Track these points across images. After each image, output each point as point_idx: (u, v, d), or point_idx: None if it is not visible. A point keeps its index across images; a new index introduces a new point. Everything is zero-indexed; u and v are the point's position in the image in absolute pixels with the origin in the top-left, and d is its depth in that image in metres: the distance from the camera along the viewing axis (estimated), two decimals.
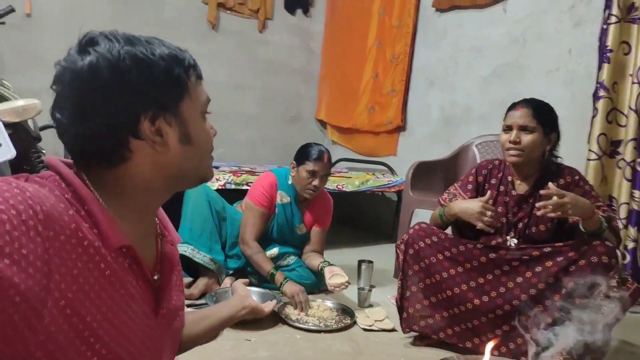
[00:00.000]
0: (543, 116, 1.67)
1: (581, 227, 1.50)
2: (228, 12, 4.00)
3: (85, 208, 0.61)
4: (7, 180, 0.54)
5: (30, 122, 1.49)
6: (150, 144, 0.65)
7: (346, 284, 2.06)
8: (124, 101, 0.62)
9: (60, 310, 0.53)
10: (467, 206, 1.67)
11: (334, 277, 2.07)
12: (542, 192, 1.48)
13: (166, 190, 0.72)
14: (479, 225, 1.61)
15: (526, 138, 1.65)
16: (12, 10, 1.93)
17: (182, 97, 0.67)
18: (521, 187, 1.75)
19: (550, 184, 1.48)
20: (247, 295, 1.08)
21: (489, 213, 1.60)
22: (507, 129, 1.70)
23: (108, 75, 0.60)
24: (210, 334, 1.01)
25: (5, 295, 0.45)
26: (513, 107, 1.72)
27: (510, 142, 1.66)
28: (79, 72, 0.61)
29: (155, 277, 0.73)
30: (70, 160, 0.67)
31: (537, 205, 1.51)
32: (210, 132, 0.74)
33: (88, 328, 0.58)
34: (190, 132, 0.68)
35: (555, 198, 1.43)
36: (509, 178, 1.78)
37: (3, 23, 2.08)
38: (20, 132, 1.37)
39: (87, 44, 0.63)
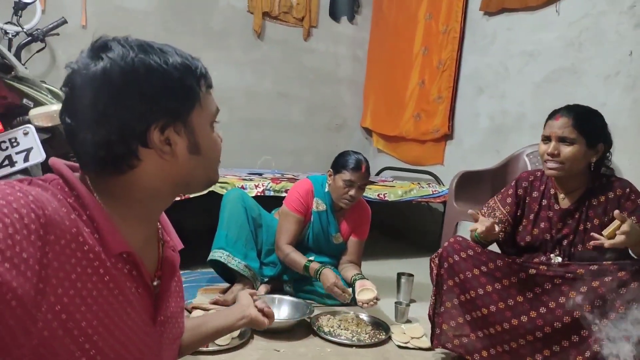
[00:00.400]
0: (585, 125, 1.53)
1: (631, 253, 1.35)
2: (273, 20, 4.05)
3: (87, 213, 0.61)
4: (11, 183, 0.55)
5: None
6: (158, 153, 0.64)
7: (375, 300, 1.96)
8: (135, 109, 0.61)
9: (55, 315, 0.53)
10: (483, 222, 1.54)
11: (363, 292, 2.01)
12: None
13: (171, 196, 0.72)
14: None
15: (566, 150, 1.52)
16: (65, 22, 2.04)
17: (193, 107, 0.67)
18: (565, 202, 1.62)
19: (616, 212, 1.32)
20: (249, 305, 1.06)
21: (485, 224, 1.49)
22: (546, 139, 1.58)
23: (121, 82, 0.60)
24: (206, 341, 1.00)
25: (2, 300, 0.46)
26: (553, 115, 1.60)
27: (548, 154, 1.54)
28: (91, 78, 0.61)
29: (155, 283, 0.72)
30: (74, 163, 0.67)
31: (592, 235, 1.37)
32: (218, 142, 0.74)
33: (83, 334, 0.57)
34: (199, 142, 0.68)
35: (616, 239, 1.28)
36: (552, 191, 1.65)
37: (57, 34, 2.20)
38: (59, 137, 1.42)
39: (100, 49, 0.63)
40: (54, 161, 0.66)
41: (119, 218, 0.65)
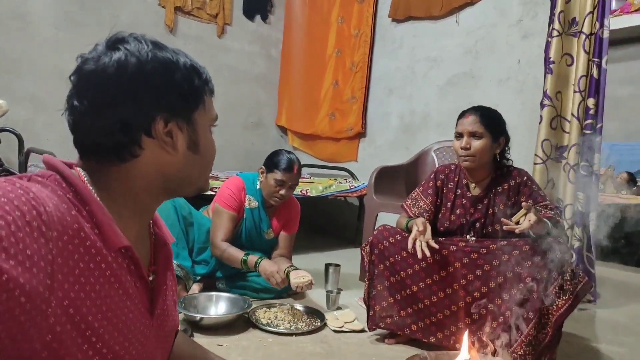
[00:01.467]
0: (490, 122, 1.78)
1: (530, 232, 1.61)
2: (186, 16, 3.96)
3: (86, 208, 0.62)
4: (11, 180, 0.54)
5: None
6: (160, 143, 0.67)
7: (309, 283, 2.08)
8: (144, 99, 0.64)
9: (63, 310, 0.54)
10: (420, 225, 1.71)
11: (298, 278, 2.10)
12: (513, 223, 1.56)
13: (166, 193, 0.73)
14: (410, 245, 1.67)
15: (476, 143, 1.76)
16: None
17: (197, 107, 0.70)
18: (476, 190, 1.86)
19: (524, 204, 1.55)
20: None
21: (418, 240, 1.66)
22: (459, 135, 1.81)
23: (134, 72, 0.63)
24: None
25: (11, 296, 0.46)
26: (462, 115, 1.83)
27: (462, 148, 1.77)
28: (105, 66, 0.63)
29: (151, 278, 0.74)
30: (69, 161, 0.67)
31: (503, 221, 1.59)
32: (214, 146, 0.77)
33: (90, 327, 0.59)
34: (199, 141, 0.71)
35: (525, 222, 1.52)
36: (464, 181, 1.89)
37: None
38: None
39: (116, 41, 0.65)
40: (48, 158, 0.65)
41: (115, 213, 0.66)
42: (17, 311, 0.47)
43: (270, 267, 2.09)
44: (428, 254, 1.62)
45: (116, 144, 0.64)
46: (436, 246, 1.65)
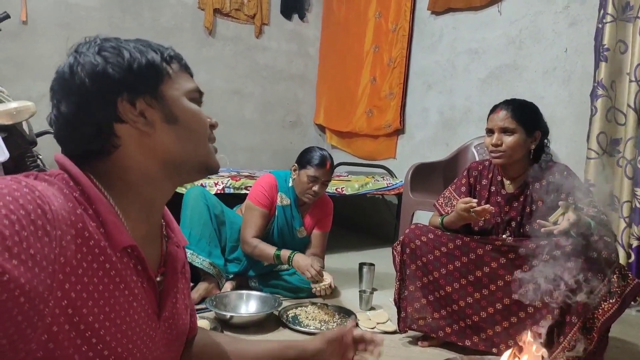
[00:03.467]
0: (523, 116, 1.67)
1: (571, 232, 1.49)
2: (225, 17, 4.02)
3: (92, 207, 0.61)
4: (17, 178, 0.55)
5: (25, 127, 1.49)
6: (133, 125, 0.66)
7: (328, 286, 2.05)
8: (101, 88, 0.65)
9: (62, 310, 0.54)
10: (455, 214, 1.65)
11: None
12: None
13: (167, 179, 0.71)
14: (476, 219, 1.60)
15: (508, 139, 1.66)
16: (8, 17, 1.93)
17: (161, 80, 0.69)
18: (511, 187, 1.76)
19: (561, 202, 1.44)
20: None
21: (471, 203, 1.59)
22: (489, 132, 1.71)
23: (84, 71, 0.65)
24: None
25: (11, 296, 0.46)
26: (493, 110, 1.73)
27: (492, 145, 1.68)
28: (62, 74, 0.66)
29: (159, 279, 0.73)
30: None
31: (540, 222, 1.49)
32: (202, 116, 0.74)
33: (90, 328, 0.58)
34: (174, 112, 0.69)
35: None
36: (499, 178, 1.78)
37: None
38: (15, 136, 1.36)
39: (72, 50, 0.68)
40: (59, 156, 0.66)
41: (122, 211, 0.66)
42: (16, 311, 0.47)
43: (304, 261, 2.07)
44: (491, 208, 1.57)
45: (91, 139, 0.65)
46: (492, 209, 1.59)
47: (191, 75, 0.76)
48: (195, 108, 0.73)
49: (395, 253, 1.80)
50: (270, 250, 2.14)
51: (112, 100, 0.65)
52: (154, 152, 0.68)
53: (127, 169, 0.67)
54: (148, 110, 0.67)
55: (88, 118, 0.65)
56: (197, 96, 0.74)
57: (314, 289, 2.06)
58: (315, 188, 2.19)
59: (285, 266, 2.29)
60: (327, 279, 2.07)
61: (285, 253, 2.12)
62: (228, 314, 1.88)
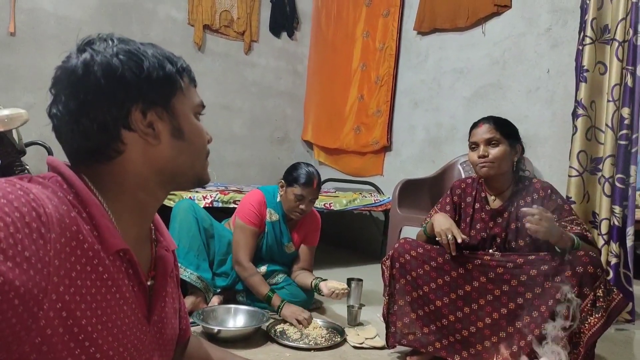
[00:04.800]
0: (505, 128, 1.72)
1: (556, 248, 1.52)
2: (214, 34, 4.05)
3: (86, 210, 0.61)
4: (11, 181, 0.54)
5: (15, 136, 1.48)
6: (142, 135, 0.66)
7: (343, 289, 2.09)
8: (115, 94, 0.64)
9: (56, 313, 0.53)
10: (442, 219, 1.70)
11: (332, 283, 2.11)
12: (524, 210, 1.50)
13: (161, 187, 0.72)
14: (439, 239, 1.64)
15: (494, 150, 1.69)
16: None
17: (174, 93, 0.69)
18: (495, 202, 1.79)
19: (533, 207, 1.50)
20: None
21: (452, 234, 1.62)
22: (474, 145, 1.74)
23: (101, 69, 0.63)
24: None
25: (5, 298, 0.46)
26: (475, 125, 1.77)
27: (479, 157, 1.71)
28: (73, 69, 0.63)
29: (149, 283, 0.73)
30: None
31: (521, 210, 1.53)
32: (204, 133, 0.75)
33: (83, 331, 0.57)
34: (182, 127, 0.70)
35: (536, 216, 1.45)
36: (483, 194, 1.82)
37: None
38: (5, 145, 1.35)
39: (84, 44, 0.66)
40: (52, 159, 0.66)
41: (115, 215, 0.66)
42: (10, 314, 0.46)
43: (292, 310, 2.05)
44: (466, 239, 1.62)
45: (98, 143, 0.64)
46: (467, 239, 1.64)
47: (195, 87, 0.77)
48: (199, 125, 0.74)
49: (384, 267, 1.81)
50: (263, 289, 2.11)
51: (126, 107, 0.64)
52: (154, 161, 0.68)
53: (124, 175, 0.67)
54: (158, 122, 0.67)
55: (95, 116, 0.63)
56: (200, 110, 0.75)
57: (330, 293, 2.10)
58: (303, 206, 2.19)
59: (274, 280, 2.28)
60: (338, 285, 2.11)
61: (276, 301, 2.08)
62: (215, 328, 1.86)
